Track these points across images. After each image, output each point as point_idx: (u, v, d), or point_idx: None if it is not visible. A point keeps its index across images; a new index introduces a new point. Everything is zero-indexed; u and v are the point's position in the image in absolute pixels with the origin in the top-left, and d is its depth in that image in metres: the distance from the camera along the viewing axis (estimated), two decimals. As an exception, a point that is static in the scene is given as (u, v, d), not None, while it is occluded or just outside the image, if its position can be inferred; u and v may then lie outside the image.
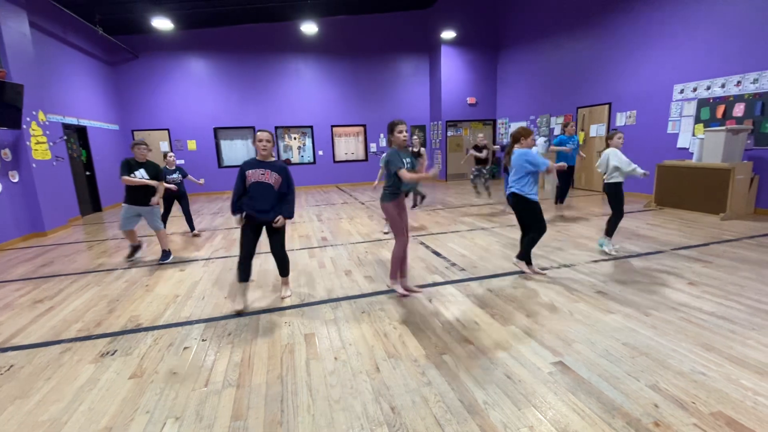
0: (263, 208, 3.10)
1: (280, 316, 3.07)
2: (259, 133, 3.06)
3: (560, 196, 6.34)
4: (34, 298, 3.71)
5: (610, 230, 4.32)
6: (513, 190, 3.65)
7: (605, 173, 4.32)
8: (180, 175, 5.91)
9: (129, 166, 4.39)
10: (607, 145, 4.34)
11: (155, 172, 4.53)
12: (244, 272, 3.20)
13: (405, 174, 3.02)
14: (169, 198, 5.79)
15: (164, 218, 5.86)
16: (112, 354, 2.59)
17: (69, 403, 2.09)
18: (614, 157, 4.19)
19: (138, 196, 4.46)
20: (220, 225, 6.95)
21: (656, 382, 2.04)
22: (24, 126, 6.27)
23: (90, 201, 8.83)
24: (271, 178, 3.09)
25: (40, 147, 6.63)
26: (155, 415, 1.97)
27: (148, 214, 4.58)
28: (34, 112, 6.55)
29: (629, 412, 1.83)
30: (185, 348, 2.63)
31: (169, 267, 4.50)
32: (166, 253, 4.69)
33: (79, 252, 5.40)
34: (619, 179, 4.22)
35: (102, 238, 6.19)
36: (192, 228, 6.08)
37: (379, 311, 3.08)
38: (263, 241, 3.27)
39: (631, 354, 2.32)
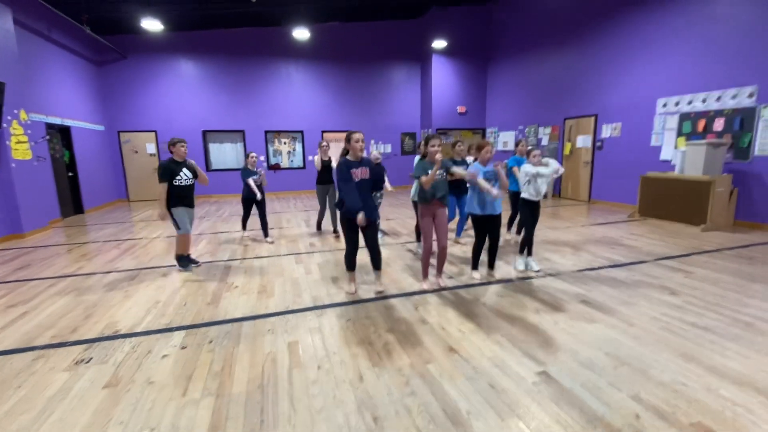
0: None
1: (264, 323, 3.01)
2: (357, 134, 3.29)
3: (510, 224, 5.72)
4: (7, 302, 3.58)
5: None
6: None
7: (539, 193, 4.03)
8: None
9: (171, 171, 4.14)
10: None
11: (193, 169, 4.38)
12: (351, 263, 3.55)
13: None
14: (249, 201, 5.62)
15: (245, 221, 5.97)
16: (87, 362, 2.51)
17: (39, 414, 2.00)
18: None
19: (190, 198, 4.36)
20: (205, 230, 6.83)
21: (638, 392, 2.05)
22: (4, 125, 6.11)
23: (72, 203, 8.62)
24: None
25: (20, 146, 6.46)
26: (129, 426, 1.90)
27: (191, 216, 4.43)
28: (15, 111, 6.39)
29: (611, 422, 1.84)
30: (164, 356, 2.56)
31: (150, 272, 4.40)
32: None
33: (58, 255, 5.25)
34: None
35: (82, 241, 6.03)
36: (266, 234, 5.78)
37: (365, 319, 3.05)
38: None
39: (613, 364, 2.34)
